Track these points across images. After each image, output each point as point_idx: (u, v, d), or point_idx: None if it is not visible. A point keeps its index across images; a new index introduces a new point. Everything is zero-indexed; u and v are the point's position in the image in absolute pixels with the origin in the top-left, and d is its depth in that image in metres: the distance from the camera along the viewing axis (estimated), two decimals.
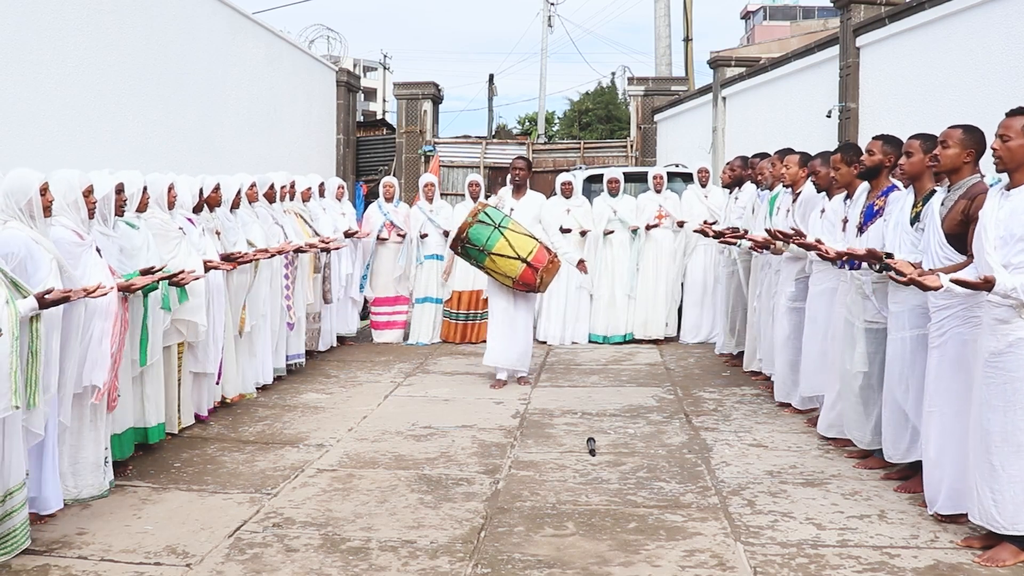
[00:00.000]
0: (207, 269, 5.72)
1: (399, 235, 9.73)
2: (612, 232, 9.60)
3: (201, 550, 3.94)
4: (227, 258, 6.15)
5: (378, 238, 9.70)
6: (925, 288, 3.89)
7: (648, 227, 9.62)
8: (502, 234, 7.16)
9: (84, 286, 4.21)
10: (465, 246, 7.23)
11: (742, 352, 8.12)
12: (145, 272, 4.86)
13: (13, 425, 3.77)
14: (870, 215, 5.03)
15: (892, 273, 4.11)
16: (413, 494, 4.71)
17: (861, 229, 5.06)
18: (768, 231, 6.35)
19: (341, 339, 9.49)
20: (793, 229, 6.05)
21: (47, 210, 4.18)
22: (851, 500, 4.59)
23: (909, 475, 4.76)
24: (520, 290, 7.38)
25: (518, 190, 8.86)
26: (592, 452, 5.47)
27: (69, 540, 4.04)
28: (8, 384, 3.63)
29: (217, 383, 6.12)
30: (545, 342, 9.61)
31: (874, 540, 4.04)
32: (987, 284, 3.59)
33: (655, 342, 9.66)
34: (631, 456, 5.44)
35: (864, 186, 5.23)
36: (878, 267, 4.68)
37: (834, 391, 5.51)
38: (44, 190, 4.15)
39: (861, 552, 3.90)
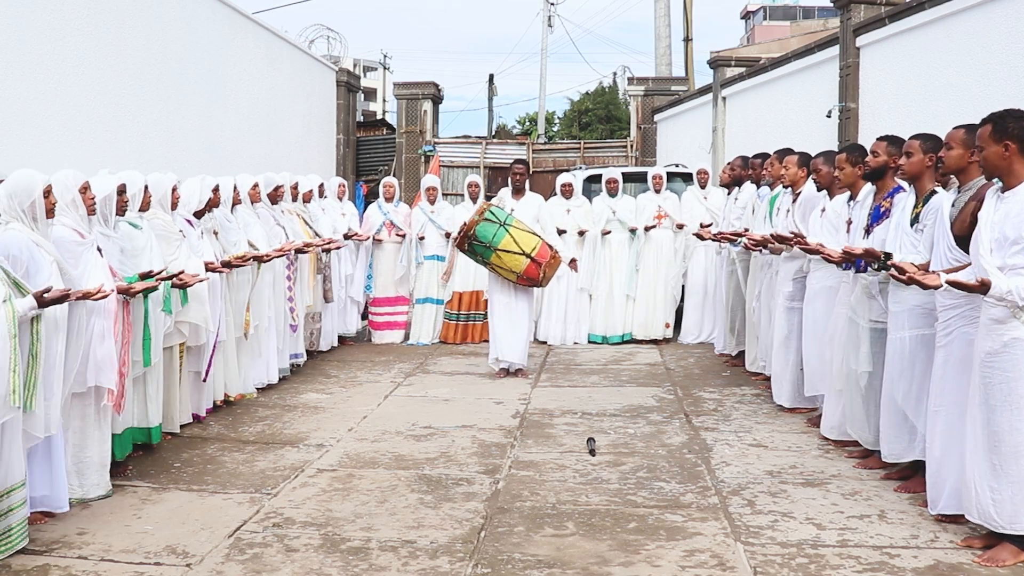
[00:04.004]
0: (207, 271, 5.72)
1: (398, 235, 9.74)
2: (610, 232, 9.61)
3: (201, 550, 3.94)
4: (227, 264, 6.16)
5: (374, 239, 9.72)
6: (925, 287, 3.90)
7: (647, 228, 9.63)
8: (507, 231, 7.43)
9: (84, 287, 4.22)
10: (472, 243, 7.48)
11: (742, 352, 8.12)
12: (144, 276, 4.87)
13: (13, 424, 3.77)
14: (876, 216, 5.03)
15: (892, 272, 4.12)
16: (413, 494, 4.71)
17: (868, 230, 5.06)
18: (772, 235, 6.35)
19: (341, 339, 9.50)
20: (793, 233, 6.05)
21: (50, 212, 4.18)
22: (851, 500, 4.59)
23: (909, 475, 4.76)
24: (523, 285, 7.67)
25: (517, 192, 9.03)
26: (592, 452, 5.47)
27: (69, 540, 4.04)
28: (7, 385, 3.63)
29: (204, 380, 6.11)
30: (546, 342, 9.62)
31: (874, 540, 4.04)
32: (983, 287, 3.63)
33: (655, 342, 9.67)
34: (631, 456, 5.44)
35: (869, 187, 5.23)
36: (877, 266, 4.69)
37: (835, 391, 5.51)
38: (47, 192, 4.16)
39: (861, 552, 3.90)
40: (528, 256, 7.43)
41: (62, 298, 3.88)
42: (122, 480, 4.88)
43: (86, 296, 4.11)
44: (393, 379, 7.82)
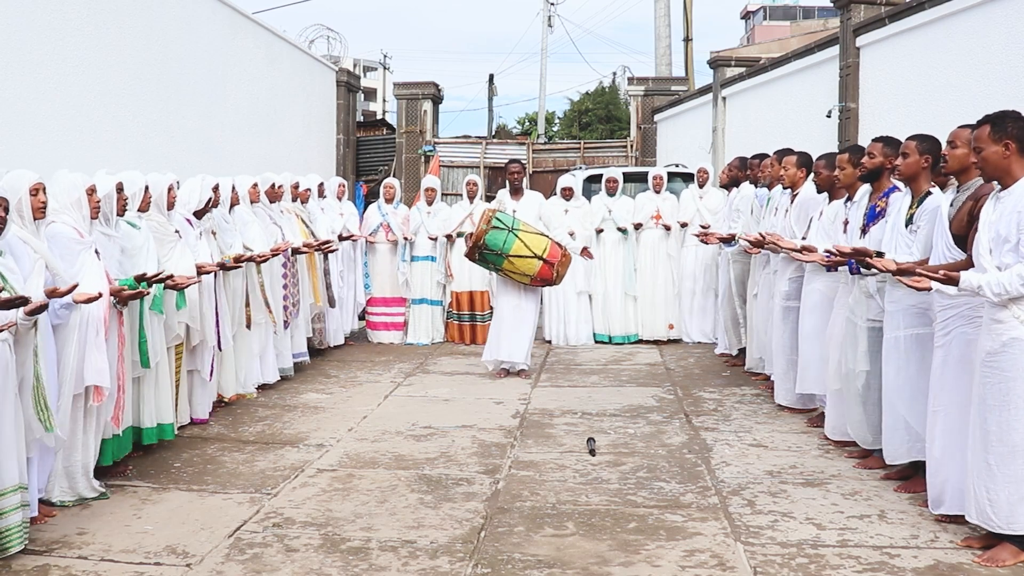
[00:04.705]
0: (199, 273, 5.68)
1: (392, 239, 9.73)
2: (602, 231, 9.61)
3: (201, 550, 3.94)
4: (222, 266, 6.16)
5: (367, 240, 9.73)
6: (920, 289, 3.92)
7: (636, 226, 9.61)
8: (516, 236, 7.47)
9: (79, 288, 4.21)
10: (483, 252, 7.49)
11: (742, 352, 8.13)
12: (139, 279, 4.86)
13: (4, 429, 3.76)
14: (872, 216, 5.04)
15: (875, 263, 4.18)
16: (413, 494, 4.71)
17: (864, 230, 5.07)
18: (760, 243, 6.37)
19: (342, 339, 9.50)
20: (767, 233, 6.07)
21: (40, 211, 4.18)
22: (851, 500, 4.59)
23: (909, 475, 4.76)
24: (537, 285, 7.73)
25: (516, 192, 8.98)
26: (592, 452, 5.47)
27: (69, 540, 4.04)
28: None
29: (209, 379, 6.11)
30: (550, 342, 9.62)
31: (874, 540, 4.04)
32: (950, 281, 3.68)
33: (658, 342, 9.67)
34: (631, 456, 5.44)
35: (866, 187, 5.23)
36: (868, 265, 4.70)
37: (834, 391, 5.50)
38: (36, 191, 4.16)
39: (861, 552, 3.90)
40: (540, 258, 7.46)
41: (19, 302, 3.63)
42: (122, 480, 4.88)
43: (53, 296, 3.96)
44: (393, 379, 7.82)
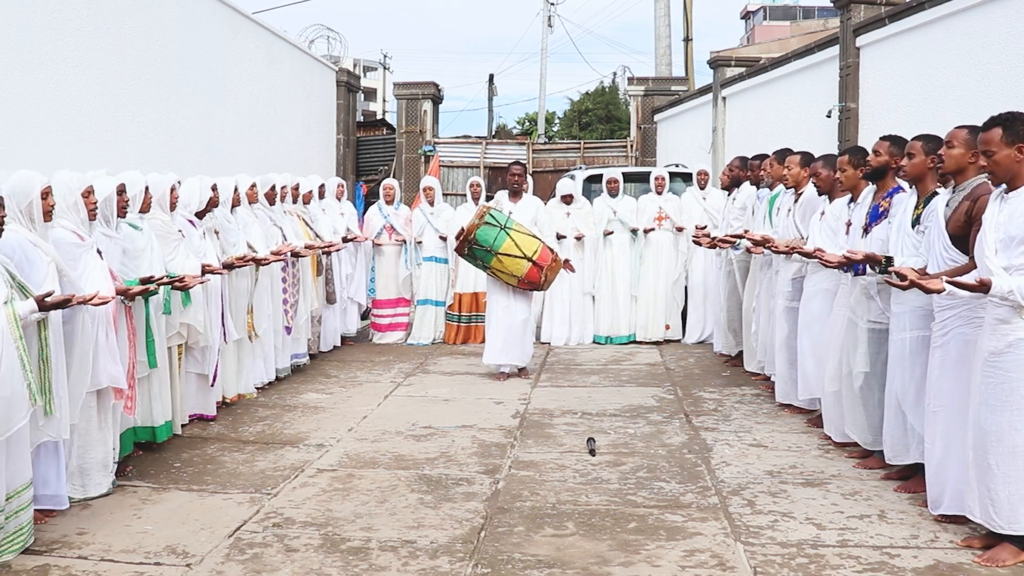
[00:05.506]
0: (204, 273, 5.69)
1: (398, 239, 9.74)
2: (611, 233, 9.61)
3: (201, 550, 3.94)
4: (227, 265, 6.17)
5: (374, 243, 9.74)
6: (928, 291, 3.90)
7: (646, 231, 9.63)
8: (508, 234, 7.39)
9: (84, 288, 4.22)
10: (472, 247, 7.42)
11: (742, 352, 8.12)
12: (145, 282, 4.87)
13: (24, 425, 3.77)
14: (875, 216, 5.04)
15: (893, 278, 4.12)
16: (413, 494, 4.71)
17: (866, 230, 5.06)
18: (766, 242, 6.36)
19: (341, 339, 9.50)
20: (789, 246, 6.06)
21: (48, 215, 4.18)
22: (851, 500, 4.59)
23: (909, 475, 4.76)
24: (524, 288, 7.61)
25: (515, 195, 8.96)
26: (592, 452, 5.47)
27: (69, 540, 4.04)
28: (21, 385, 3.64)
29: (212, 385, 6.12)
30: (548, 343, 9.62)
31: (874, 540, 4.04)
32: (983, 287, 3.62)
33: (656, 343, 9.67)
34: (631, 456, 5.44)
35: (870, 188, 5.23)
36: (879, 270, 4.69)
37: (833, 391, 5.50)
38: (46, 194, 4.16)
39: (861, 552, 3.90)
40: (529, 259, 7.38)
41: (63, 303, 3.87)
42: (122, 480, 4.88)
43: (83, 302, 4.09)
44: (393, 379, 7.82)
